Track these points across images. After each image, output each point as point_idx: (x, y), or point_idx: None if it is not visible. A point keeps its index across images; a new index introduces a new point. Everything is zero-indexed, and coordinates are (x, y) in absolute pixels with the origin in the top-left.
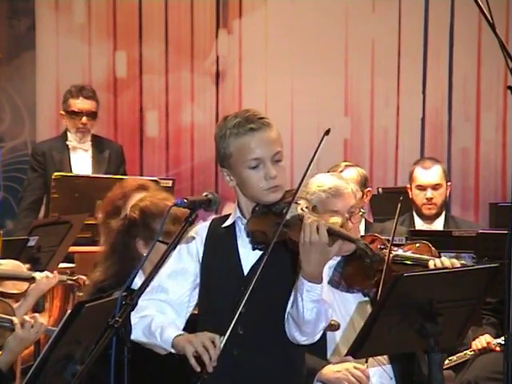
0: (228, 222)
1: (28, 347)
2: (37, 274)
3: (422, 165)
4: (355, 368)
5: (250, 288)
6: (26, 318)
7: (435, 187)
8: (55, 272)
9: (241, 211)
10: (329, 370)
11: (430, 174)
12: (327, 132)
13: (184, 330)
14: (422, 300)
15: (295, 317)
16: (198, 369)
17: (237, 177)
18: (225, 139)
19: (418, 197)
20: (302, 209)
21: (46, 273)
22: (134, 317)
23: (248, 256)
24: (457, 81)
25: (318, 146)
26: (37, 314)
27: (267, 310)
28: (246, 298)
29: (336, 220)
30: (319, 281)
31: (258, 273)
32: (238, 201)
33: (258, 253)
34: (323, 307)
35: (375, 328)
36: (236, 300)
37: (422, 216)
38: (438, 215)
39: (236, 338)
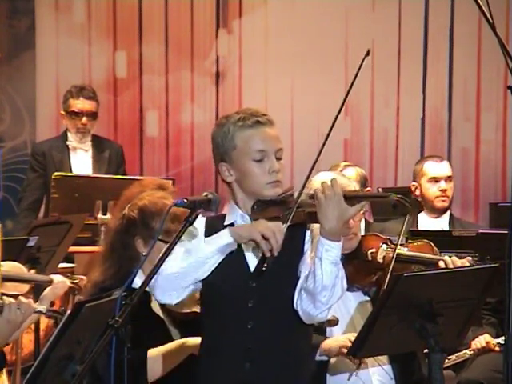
0: (229, 220)
1: (16, 330)
2: (55, 278)
3: (432, 159)
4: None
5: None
6: (11, 299)
7: (448, 179)
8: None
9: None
10: (330, 340)
11: (442, 167)
12: (367, 53)
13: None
14: (422, 300)
15: (311, 286)
16: (269, 253)
17: (238, 170)
18: (228, 133)
19: (430, 190)
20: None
21: (62, 277)
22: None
23: (251, 252)
24: (457, 81)
25: (359, 68)
26: (21, 297)
27: (278, 301)
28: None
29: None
30: (338, 239)
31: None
32: (234, 199)
33: None
34: (341, 273)
35: (375, 328)
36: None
37: (433, 210)
38: (446, 210)
39: (245, 332)
